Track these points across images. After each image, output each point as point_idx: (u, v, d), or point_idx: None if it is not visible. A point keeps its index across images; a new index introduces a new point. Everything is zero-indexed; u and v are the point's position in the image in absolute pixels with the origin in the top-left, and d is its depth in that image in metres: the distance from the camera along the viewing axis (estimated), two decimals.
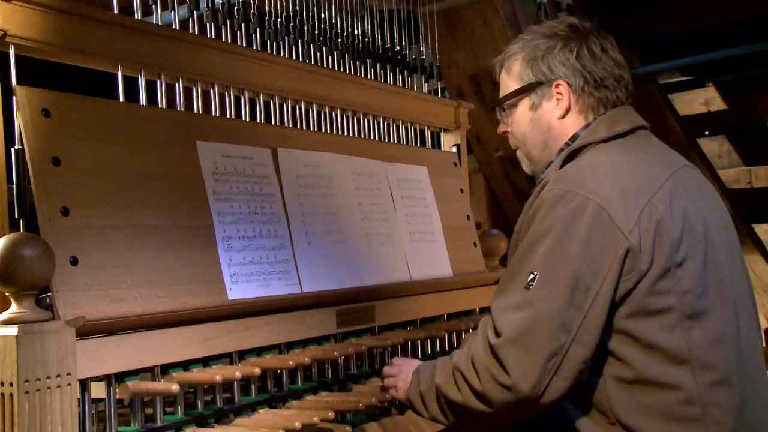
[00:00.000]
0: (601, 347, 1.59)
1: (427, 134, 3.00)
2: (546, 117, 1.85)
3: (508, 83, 1.92)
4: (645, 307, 1.57)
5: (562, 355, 1.55)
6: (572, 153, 1.76)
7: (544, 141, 1.87)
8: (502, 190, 4.59)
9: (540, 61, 1.84)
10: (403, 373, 1.93)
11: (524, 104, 1.89)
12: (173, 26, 2.04)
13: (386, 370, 2.00)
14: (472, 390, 1.64)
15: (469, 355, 1.67)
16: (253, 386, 1.93)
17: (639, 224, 1.57)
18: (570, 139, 1.82)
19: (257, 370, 1.78)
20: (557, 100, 1.83)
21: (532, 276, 1.59)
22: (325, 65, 2.54)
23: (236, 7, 2.25)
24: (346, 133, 2.58)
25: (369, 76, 2.72)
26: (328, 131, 2.51)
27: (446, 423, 1.78)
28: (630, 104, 1.86)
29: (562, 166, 1.74)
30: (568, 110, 1.83)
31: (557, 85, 1.82)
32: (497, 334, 1.61)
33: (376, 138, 2.71)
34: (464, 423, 1.74)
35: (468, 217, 2.95)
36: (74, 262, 1.60)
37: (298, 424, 1.69)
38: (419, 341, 2.49)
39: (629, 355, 1.58)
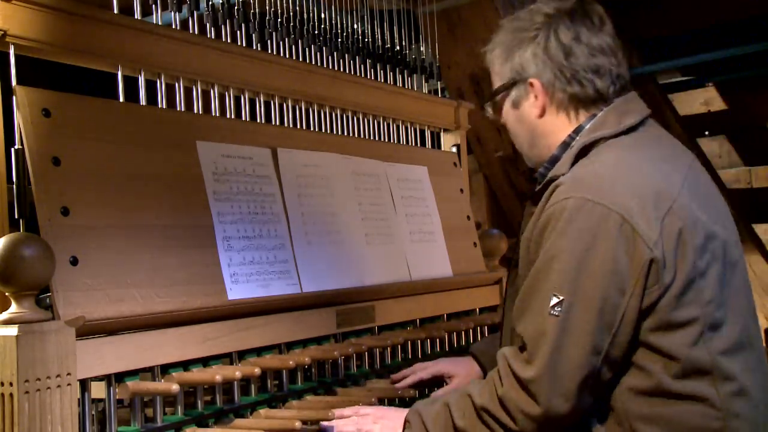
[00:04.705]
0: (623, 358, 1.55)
1: (427, 134, 3.00)
2: (527, 115, 1.77)
3: (494, 79, 1.85)
4: (669, 320, 1.51)
5: (594, 376, 1.51)
6: (583, 149, 1.65)
7: (531, 139, 1.80)
8: (502, 190, 4.59)
9: (513, 57, 1.76)
10: (385, 419, 1.75)
11: (507, 102, 1.81)
12: (173, 26, 2.04)
13: (349, 410, 1.82)
14: (508, 430, 1.57)
15: (495, 394, 1.58)
16: (253, 386, 1.93)
17: (662, 234, 1.50)
18: (574, 131, 1.72)
19: (257, 370, 1.78)
20: (534, 97, 1.74)
21: (557, 300, 1.51)
22: (324, 65, 2.54)
23: (236, 7, 2.24)
24: (345, 133, 2.58)
25: (369, 76, 2.72)
26: (328, 131, 2.51)
27: None
28: (625, 90, 1.74)
29: (573, 163, 1.65)
30: (544, 109, 1.74)
31: (530, 84, 1.74)
32: (527, 361, 1.54)
33: (376, 138, 2.71)
34: None
35: (468, 217, 2.95)
36: (74, 262, 1.60)
37: (298, 424, 1.69)
38: (419, 341, 2.49)
39: (651, 367, 1.53)
